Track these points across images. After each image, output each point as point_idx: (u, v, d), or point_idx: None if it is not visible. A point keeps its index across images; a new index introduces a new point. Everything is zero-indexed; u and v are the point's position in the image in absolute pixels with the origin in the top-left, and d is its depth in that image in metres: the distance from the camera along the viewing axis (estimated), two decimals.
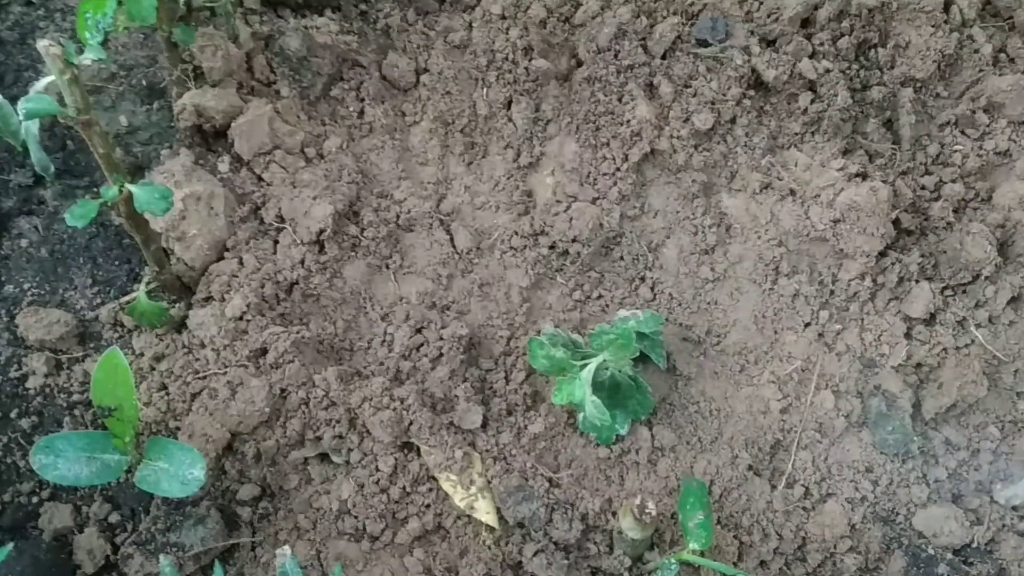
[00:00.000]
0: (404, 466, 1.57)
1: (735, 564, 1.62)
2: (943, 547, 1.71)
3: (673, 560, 1.43)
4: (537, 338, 1.63)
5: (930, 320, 1.82)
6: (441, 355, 1.64)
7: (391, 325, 1.69)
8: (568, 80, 1.90)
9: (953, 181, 1.90)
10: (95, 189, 1.74)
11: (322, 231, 1.68)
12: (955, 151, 1.93)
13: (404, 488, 1.56)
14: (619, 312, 1.71)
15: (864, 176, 1.82)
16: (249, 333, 1.59)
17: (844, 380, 1.79)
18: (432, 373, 1.63)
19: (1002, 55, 2.00)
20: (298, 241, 1.69)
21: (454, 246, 1.81)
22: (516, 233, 1.82)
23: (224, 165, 1.76)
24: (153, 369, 1.62)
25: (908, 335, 1.80)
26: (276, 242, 1.72)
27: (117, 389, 1.28)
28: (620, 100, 1.83)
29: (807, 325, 1.81)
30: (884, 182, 1.79)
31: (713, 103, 1.80)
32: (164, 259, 1.60)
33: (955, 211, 1.87)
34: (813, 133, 1.89)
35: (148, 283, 1.58)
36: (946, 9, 1.96)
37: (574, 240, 1.78)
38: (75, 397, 1.60)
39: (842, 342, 1.80)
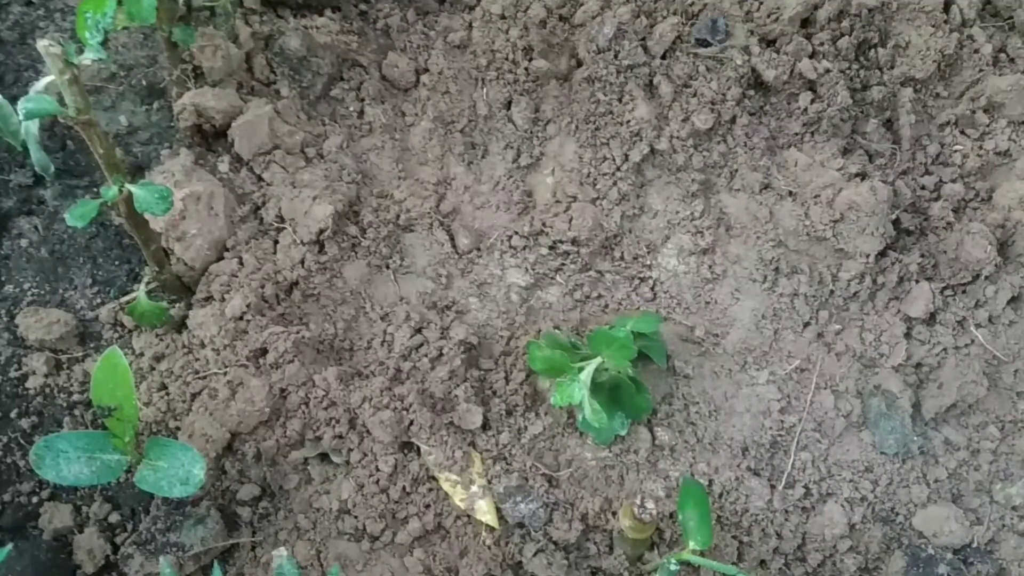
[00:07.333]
0: (404, 466, 1.58)
1: (734, 564, 1.62)
2: (943, 547, 1.71)
3: (673, 560, 1.43)
4: (536, 341, 1.63)
5: (930, 320, 1.82)
6: (441, 355, 1.64)
7: (391, 325, 1.69)
8: (568, 80, 1.90)
9: (953, 181, 1.90)
10: (95, 189, 1.74)
11: (322, 231, 1.68)
12: (955, 151, 1.93)
13: (404, 488, 1.56)
14: (617, 319, 1.71)
15: (864, 176, 1.82)
16: (249, 333, 1.59)
17: (844, 380, 1.79)
18: (432, 373, 1.63)
19: (1002, 55, 2.00)
20: (298, 241, 1.69)
21: (454, 246, 1.81)
22: (516, 233, 1.82)
23: (224, 165, 1.76)
24: (153, 369, 1.62)
25: (908, 335, 1.80)
26: (276, 242, 1.72)
27: (117, 389, 1.28)
28: (620, 100, 1.83)
29: (807, 325, 1.81)
30: (884, 182, 1.79)
31: (713, 103, 1.80)
32: (164, 259, 1.60)
33: (955, 211, 1.87)
34: (813, 133, 1.88)
35: (148, 283, 1.59)
36: (946, 9, 1.95)
37: (574, 240, 1.78)
38: (75, 397, 1.60)
39: (842, 342, 1.80)
